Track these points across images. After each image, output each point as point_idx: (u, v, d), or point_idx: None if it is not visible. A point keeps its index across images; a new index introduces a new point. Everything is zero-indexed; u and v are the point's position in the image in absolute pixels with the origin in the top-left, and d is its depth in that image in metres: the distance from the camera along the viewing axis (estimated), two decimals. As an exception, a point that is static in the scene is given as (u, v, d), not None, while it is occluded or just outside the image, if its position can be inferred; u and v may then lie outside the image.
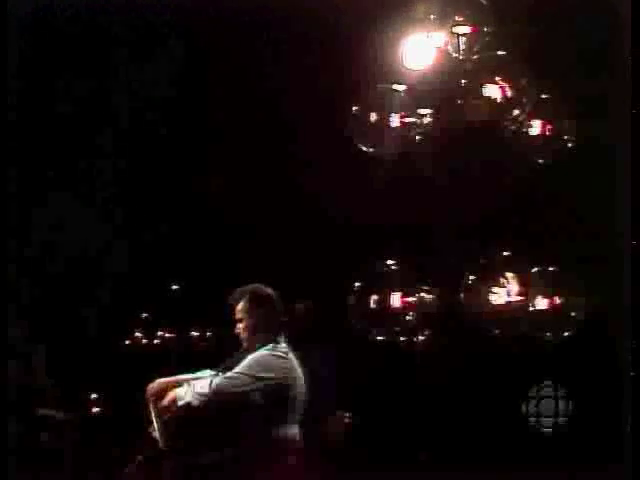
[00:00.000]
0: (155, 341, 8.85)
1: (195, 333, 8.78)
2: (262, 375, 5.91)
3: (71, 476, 7.47)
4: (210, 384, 5.89)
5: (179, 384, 6.13)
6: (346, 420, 7.72)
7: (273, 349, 6.04)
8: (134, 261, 9.02)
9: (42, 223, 8.97)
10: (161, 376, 6.52)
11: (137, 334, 8.90)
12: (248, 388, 5.89)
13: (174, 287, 8.94)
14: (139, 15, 8.45)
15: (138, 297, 8.91)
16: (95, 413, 7.82)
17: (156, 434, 6.03)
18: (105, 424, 7.89)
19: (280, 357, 6.02)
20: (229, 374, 5.96)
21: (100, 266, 9.06)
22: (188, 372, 6.53)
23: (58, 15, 8.36)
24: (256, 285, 6.28)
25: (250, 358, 6.00)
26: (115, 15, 8.50)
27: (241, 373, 5.93)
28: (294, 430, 6.09)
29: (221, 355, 6.48)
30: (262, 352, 6.02)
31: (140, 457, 6.14)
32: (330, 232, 8.29)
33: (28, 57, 8.04)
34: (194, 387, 5.94)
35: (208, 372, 6.35)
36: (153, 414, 6.13)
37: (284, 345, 6.10)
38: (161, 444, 5.99)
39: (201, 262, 8.81)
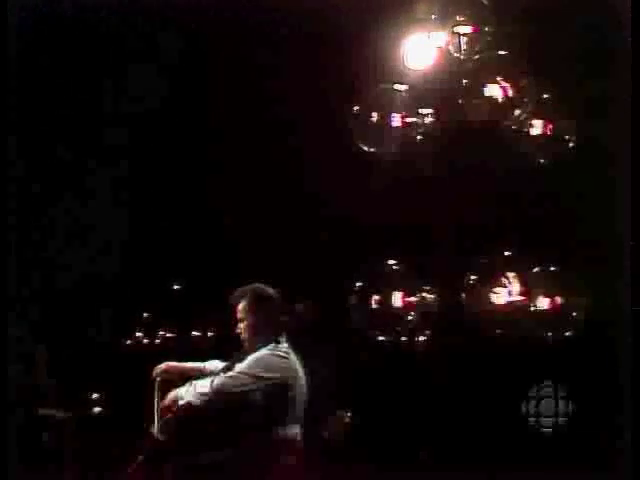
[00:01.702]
0: (156, 341, 8.84)
1: (196, 333, 8.78)
2: (263, 375, 5.92)
3: (71, 476, 7.47)
4: (211, 384, 5.90)
5: (182, 383, 6.15)
6: (346, 420, 7.73)
7: (274, 349, 6.04)
8: (135, 261, 9.01)
9: (43, 223, 8.96)
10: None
11: (138, 334, 8.90)
12: (248, 388, 5.89)
13: (175, 287, 8.93)
14: (139, 14, 8.45)
15: (139, 297, 8.91)
16: (96, 413, 7.82)
17: (155, 429, 6.04)
18: (106, 424, 7.89)
19: (281, 357, 6.03)
20: (230, 374, 5.96)
21: (101, 266, 9.05)
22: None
23: (58, 15, 8.36)
24: (257, 285, 6.28)
25: (251, 358, 6.00)
26: (115, 15, 8.51)
27: (242, 373, 5.93)
28: (294, 430, 6.09)
29: (222, 355, 6.48)
30: (263, 352, 6.03)
31: (141, 457, 6.13)
32: (330, 232, 8.29)
33: (28, 56, 8.04)
34: (195, 387, 5.94)
35: (217, 362, 6.37)
36: (155, 397, 6.13)
37: (285, 345, 6.10)
38: (157, 433, 6.00)
39: (202, 262, 8.81)
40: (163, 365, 6.31)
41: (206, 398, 5.88)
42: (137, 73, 8.88)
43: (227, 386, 5.90)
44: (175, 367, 6.34)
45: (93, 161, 8.99)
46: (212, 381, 5.92)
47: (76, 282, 8.99)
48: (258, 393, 5.90)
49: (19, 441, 7.02)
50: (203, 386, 5.92)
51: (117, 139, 8.95)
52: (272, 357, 6.02)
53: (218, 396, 5.88)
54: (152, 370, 6.28)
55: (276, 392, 5.93)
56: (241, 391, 5.89)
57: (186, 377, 6.20)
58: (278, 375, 5.96)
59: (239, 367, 5.98)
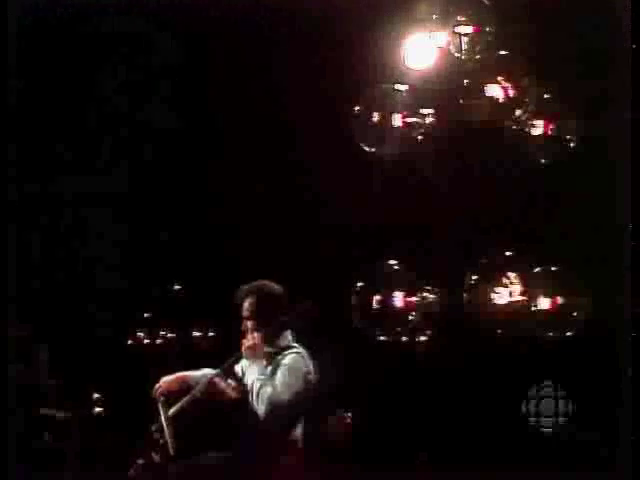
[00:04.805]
0: (157, 341, 8.85)
1: (197, 333, 8.79)
2: (302, 381, 6.01)
3: (72, 476, 7.46)
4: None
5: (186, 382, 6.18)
6: (347, 420, 7.73)
7: (297, 353, 6.11)
8: (136, 261, 9.01)
9: (44, 222, 8.96)
10: (164, 376, 6.55)
11: (139, 334, 8.90)
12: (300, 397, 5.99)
13: (176, 287, 8.94)
14: (139, 14, 8.45)
15: (140, 297, 8.91)
16: (97, 413, 7.81)
17: (165, 439, 6.05)
18: (106, 424, 7.88)
19: (305, 359, 6.11)
20: (284, 385, 6.01)
21: (102, 265, 9.05)
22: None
23: (58, 15, 8.37)
24: (263, 282, 6.30)
25: (286, 367, 6.04)
26: (115, 15, 8.51)
27: (289, 384, 6.00)
28: (295, 430, 6.12)
29: (223, 355, 6.50)
30: (292, 358, 6.09)
31: (141, 461, 6.14)
32: (331, 232, 8.29)
33: (28, 57, 8.05)
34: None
35: (208, 371, 6.37)
36: (163, 418, 6.13)
37: (299, 346, 6.16)
38: (171, 451, 6.01)
39: (202, 262, 8.81)
40: (162, 383, 6.31)
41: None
42: (136, 74, 8.89)
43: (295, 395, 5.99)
44: (174, 381, 6.34)
45: (94, 161, 8.99)
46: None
47: (77, 282, 8.99)
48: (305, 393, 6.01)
49: (19, 441, 7.01)
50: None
51: (118, 139, 8.96)
52: (301, 361, 6.09)
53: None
54: (152, 371, 6.30)
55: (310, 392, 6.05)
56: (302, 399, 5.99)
57: (187, 387, 6.23)
58: (312, 377, 6.07)
59: (281, 378, 6.03)
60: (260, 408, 6.01)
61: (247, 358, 6.32)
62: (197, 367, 6.72)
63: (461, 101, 7.20)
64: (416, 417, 7.77)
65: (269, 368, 6.19)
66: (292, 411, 6.08)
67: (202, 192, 8.86)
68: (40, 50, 8.41)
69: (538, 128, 7.10)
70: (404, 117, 7.19)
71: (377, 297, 7.08)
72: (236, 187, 8.62)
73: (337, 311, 7.43)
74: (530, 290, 7.01)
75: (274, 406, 5.96)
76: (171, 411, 6.25)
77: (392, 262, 7.23)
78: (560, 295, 6.97)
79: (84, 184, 8.97)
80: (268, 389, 6.00)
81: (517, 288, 7.04)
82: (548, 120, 7.11)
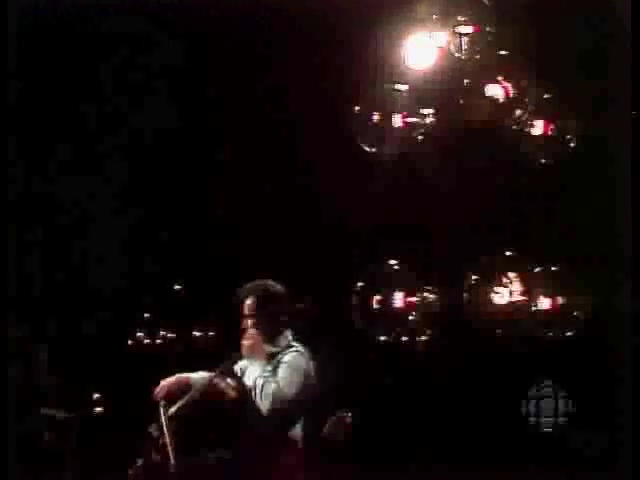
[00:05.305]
0: (157, 341, 8.85)
1: (197, 333, 8.80)
2: (304, 379, 5.99)
3: (71, 476, 7.45)
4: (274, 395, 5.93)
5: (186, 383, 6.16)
6: (347, 420, 7.72)
7: (297, 351, 6.09)
8: (136, 261, 9.01)
9: (43, 222, 8.96)
10: (164, 376, 6.53)
11: (139, 334, 8.91)
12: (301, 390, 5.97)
13: (176, 287, 8.94)
14: (139, 14, 8.45)
15: (140, 297, 8.91)
16: (97, 413, 7.81)
17: (165, 442, 6.03)
18: (107, 424, 7.88)
19: (306, 359, 6.10)
20: (286, 382, 6.00)
21: (102, 266, 9.05)
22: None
23: (58, 15, 8.37)
24: (266, 281, 6.28)
25: (287, 364, 6.04)
26: (115, 15, 8.52)
27: (287, 380, 5.98)
28: (295, 430, 6.10)
29: (223, 355, 6.48)
30: (293, 356, 6.08)
31: (141, 461, 6.12)
32: (331, 232, 8.30)
33: (28, 57, 8.05)
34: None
35: (206, 373, 6.36)
36: (164, 423, 6.11)
37: (299, 345, 6.15)
38: (171, 457, 5.99)
39: (202, 262, 8.81)
40: (164, 386, 6.29)
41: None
42: (137, 73, 8.89)
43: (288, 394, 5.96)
44: (174, 383, 6.32)
45: (94, 161, 8.99)
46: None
47: (77, 282, 8.99)
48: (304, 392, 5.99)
49: (19, 441, 7.01)
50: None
51: (119, 140, 8.96)
52: (303, 360, 6.08)
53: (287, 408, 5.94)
54: (152, 371, 6.28)
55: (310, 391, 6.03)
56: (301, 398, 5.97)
57: (187, 389, 6.21)
58: (313, 378, 6.05)
59: (282, 375, 6.01)
60: (264, 405, 5.99)
61: (247, 357, 6.31)
62: (197, 367, 6.71)
63: (461, 101, 7.20)
64: (416, 417, 7.76)
65: (270, 366, 6.18)
66: (294, 408, 6.06)
67: (202, 192, 8.86)
68: (40, 50, 8.42)
69: (538, 128, 7.11)
70: (404, 117, 7.19)
71: (377, 297, 7.08)
72: (236, 187, 8.63)
73: (337, 311, 7.42)
74: (530, 290, 7.01)
75: (278, 402, 5.95)
76: (170, 411, 6.23)
77: (392, 262, 7.23)
78: (560, 295, 6.98)
79: (84, 184, 8.97)
80: (272, 385, 5.99)
81: (517, 288, 7.04)
82: (548, 120, 7.11)
